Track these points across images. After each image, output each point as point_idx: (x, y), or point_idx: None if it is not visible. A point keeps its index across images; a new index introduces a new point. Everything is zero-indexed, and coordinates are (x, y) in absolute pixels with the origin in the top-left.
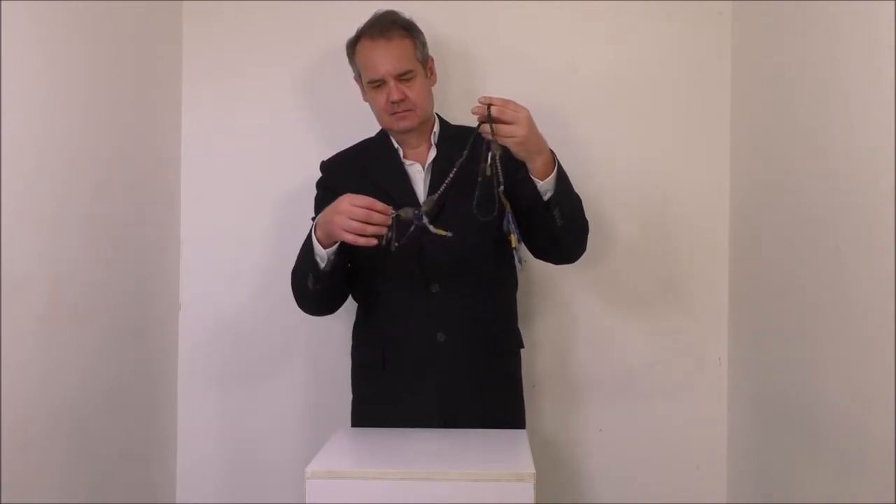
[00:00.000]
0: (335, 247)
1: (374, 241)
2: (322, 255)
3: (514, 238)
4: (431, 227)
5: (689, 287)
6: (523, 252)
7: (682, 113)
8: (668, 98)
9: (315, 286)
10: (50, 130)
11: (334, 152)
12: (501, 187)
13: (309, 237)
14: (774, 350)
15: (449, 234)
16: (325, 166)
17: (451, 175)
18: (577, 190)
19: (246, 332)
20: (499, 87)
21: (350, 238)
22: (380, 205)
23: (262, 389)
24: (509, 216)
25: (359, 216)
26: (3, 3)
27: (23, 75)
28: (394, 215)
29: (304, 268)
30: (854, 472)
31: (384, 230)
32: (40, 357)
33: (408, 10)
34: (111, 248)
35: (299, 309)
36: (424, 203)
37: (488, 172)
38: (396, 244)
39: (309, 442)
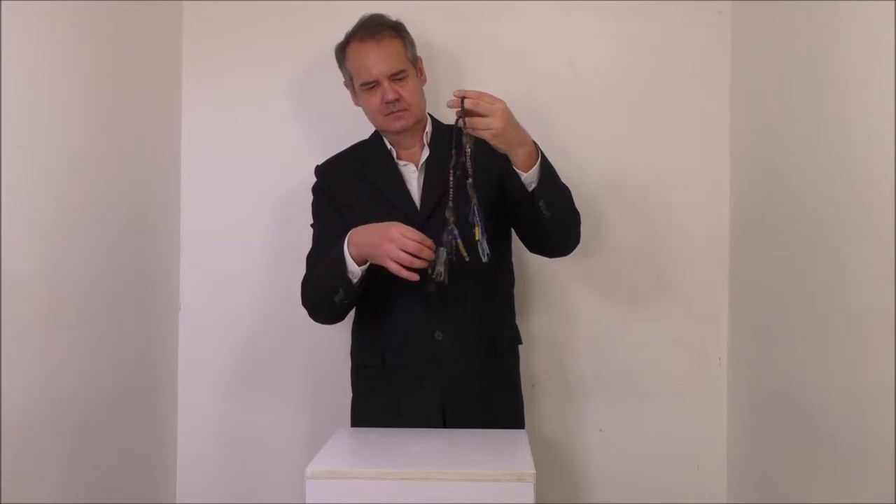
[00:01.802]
0: (368, 264)
1: (416, 277)
2: (356, 272)
3: (477, 231)
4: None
5: (689, 287)
6: (486, 245)
7: (682, 112)
8: (667, 97)
9: (343, 302)
10: (50, 130)
11: (335, 152)
12: (470, 180)
13: (339, 254)
14: (774, 350)
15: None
16: (321, 170)
17: (451, 180)
18: (576, 188)
19: (246, 332)
20: (497, 87)
21: (395, 268)
22: (429, 240)
23: (262, 389)
24: (475, 208)
25: (410, 249)
26: (3, 3)
27: (23, 75)
28: (437, 249)
29: (332, 284)
30: (854, 472)
31: (425, 263)
32: (40, 357)
33: (406, 11)
34: (111, 248)
35: (295, 304)
36: (448, 214)
37: (468, 165)
38: (444, 279)
39: (309, 442)
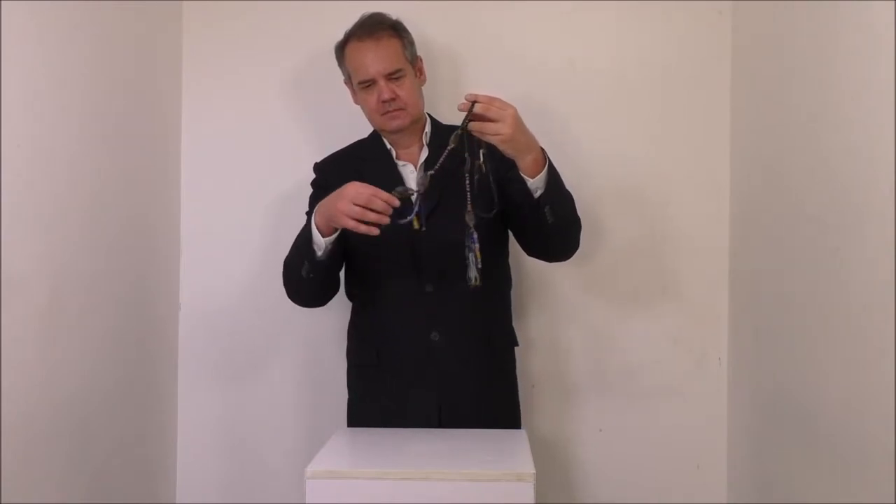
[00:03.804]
0: (334, 236)
1: (375, 231)
2: (320, 243)
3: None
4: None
5: (689, 287)
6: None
7: (682, 113)
8: (667, 97)
9: (309, 275)
10: (50, 130)
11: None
12: (431, 171)
13: (308, 226)
14: (774, 350)
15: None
16: (319, 167)
17: (468, 184)
18: (575, 189)
19: (245, 332)
20: (497, 87)
21: (352, 224)
22: (384, 193)
23: (261, 389)
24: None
25: (362, 201)
26: (3, 3)
27: (23, 75)
28: (397, 194)
29: (300, 257)
30: (854, 472)
31: (386, 219)
32: (40, 357)
33: (406, 11)
34: (111, 248)
35: (292, 302)
36: (469, 218)
37: (484, 170)
38: (476, 282)
39: (309, 442)
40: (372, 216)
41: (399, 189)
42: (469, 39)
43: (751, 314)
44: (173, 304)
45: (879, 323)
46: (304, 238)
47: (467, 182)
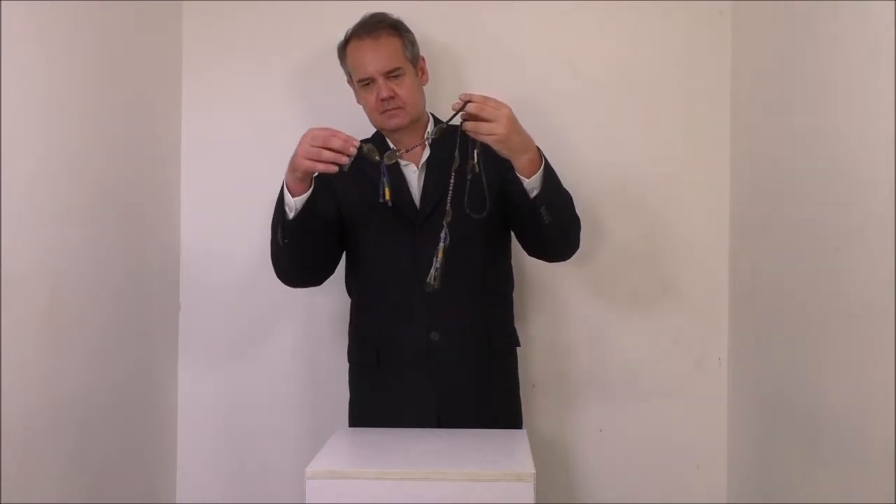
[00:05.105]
0: (304, 196)
1: (333, 168)
2: (290, 203)
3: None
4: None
5: (689, 287)
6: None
7: (682, 113)
8: (667, 98)
9: (284, 241)
10: (50, 130)
11: None
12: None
13: (281, 190)
14: (774, 350)
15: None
16: None
17: (452, 182)
18: (575, 189)
19: (245, 332)
20: (496, 88)
21: (308, 164)
22: (342, 134)
23: (261, 389)
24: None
25: (318, 142)
26: (3, 3)
27: (23, 75)
28: (358, 147)
29: (274, 223)
30: (854, 472)
31: (344, 158)
32: (40, 357)
33: (406, 11)
34: (111, 248)
35: (287, 287)
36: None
37: (477, 170)
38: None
39: (309, 442)
40: (327, 155)
41: (367, 145)
42: (469, 39)
43: (751, 314)
44: (173, 304)
45: (879, 323)
46: (278, 204)
47: (452, 180)
